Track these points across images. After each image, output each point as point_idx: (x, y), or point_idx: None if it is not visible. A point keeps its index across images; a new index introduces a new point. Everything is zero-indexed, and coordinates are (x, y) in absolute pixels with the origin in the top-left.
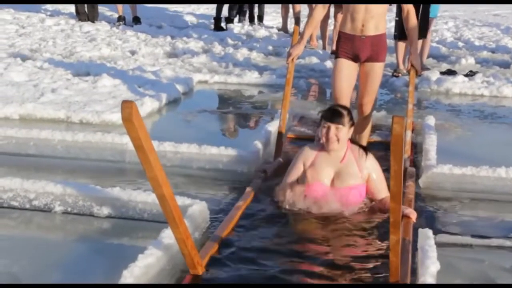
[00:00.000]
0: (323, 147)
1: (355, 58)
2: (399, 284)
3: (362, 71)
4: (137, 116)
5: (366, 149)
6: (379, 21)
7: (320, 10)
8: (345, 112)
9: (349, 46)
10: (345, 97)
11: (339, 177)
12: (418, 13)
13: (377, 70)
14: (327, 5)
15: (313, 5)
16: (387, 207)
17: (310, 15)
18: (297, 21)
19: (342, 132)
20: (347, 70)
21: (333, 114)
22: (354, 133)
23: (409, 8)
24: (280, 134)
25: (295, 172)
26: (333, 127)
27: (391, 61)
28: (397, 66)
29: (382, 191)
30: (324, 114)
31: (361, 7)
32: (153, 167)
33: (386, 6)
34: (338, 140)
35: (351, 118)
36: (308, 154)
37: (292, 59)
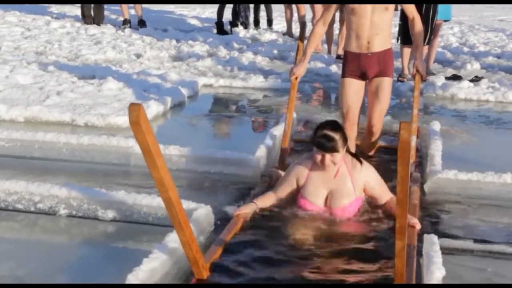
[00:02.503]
0: (315, 162)
1: (363, 76)
2: (399, 284)
3: (370, 88)
4: (144, 119)
5: (359, 158)
6: (384, 36)
7: (321, 26)
8: (337, 136)
9: (355, 64)
10: (354, 115)
11: (333, 196)
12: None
13: (386, 85)
14: (328, 21)
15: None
16: (392, 210)
17: (311, 31)
18: (303, 26)
19: (337, 157)
20: (355, 89)
21: (326, 142)
22: (360, 146)
23: (414, 14)
24: (285, 139)
25: (287, 187)
26: (327, 155)
27: (396, 66)
28: (402, 71)
29: (383, 195)
30: (317, 143)
31: (366, 24)
32: (160, 170)
33: (391, 19)
34: (334, 163)
35: (344, 136)
36: (301, 172)
37: (296, 78)
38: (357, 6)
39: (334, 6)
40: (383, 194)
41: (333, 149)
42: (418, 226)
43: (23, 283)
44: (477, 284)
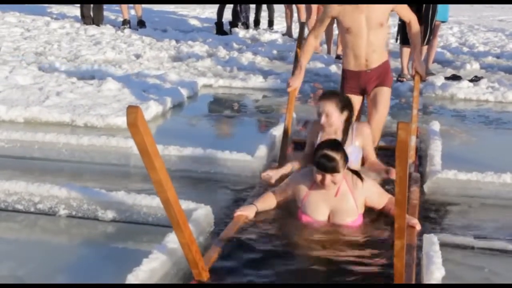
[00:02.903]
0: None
1: (362, 92)
2: (400, 284)
3: (369, 97)
4: (142, 121)
5: (360, 175)
6: (381, 51)
7: (313, 39)
8: (338, 156)
9: (355, 82)
10: None
11: (335, 214)
12: (422, 17)
13: (385, 93)
14: (320, 33)
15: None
16: (391, 211)
17: (304, 43)
18: (302, 27)
19: (338, 177)
20: (354, 105)
21: (327, 162)
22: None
23: (411, 17)
24: (285, 139)
25: (286, 196)
26: (328, 175)
27: (396, 66)
28: (401, 71)
29: (382, 203)
30: (317, 163)
31: (362, 43)
32: (158, 172)
33: (386, 35)
34: (334, 183)
35: (345, 156)
36: (301, 188)
37: (296, 89)
38: (352, 25)
39: (327, 19)
40: (382, 201)
41: (334, 170)
42: (418, 227)
43: (23, 283)
44: (477, 284)
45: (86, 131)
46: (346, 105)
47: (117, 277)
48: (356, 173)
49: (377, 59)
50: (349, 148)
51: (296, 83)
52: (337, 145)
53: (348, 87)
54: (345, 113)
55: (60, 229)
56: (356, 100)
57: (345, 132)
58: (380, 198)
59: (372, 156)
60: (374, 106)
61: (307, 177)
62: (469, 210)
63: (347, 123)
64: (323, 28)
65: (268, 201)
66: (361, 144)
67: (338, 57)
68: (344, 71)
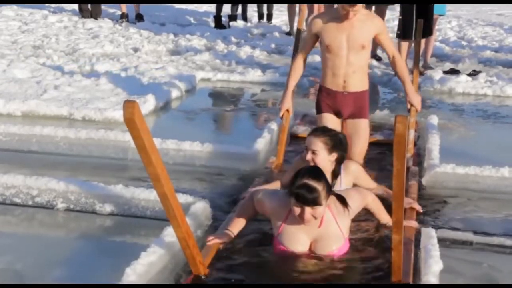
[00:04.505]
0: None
1: (337, 114)
2: (400, 284)
3: (346, 130)
4: (139, 116)
5: (344, 200)
6: (361, 76)
7: (300, 60)
8: (320, 186)
9: (331, 101)
10: None
11: (318, 243)
12: (422, 11)
13: (363, 127)
14: (307, 53)
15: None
16: (372, 210)
17: (291, 65)
18: (298, 32)
19: (319, 210)
20: (333, 123)
21: (307, 193)
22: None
23: (394, 52)
24: (282, 133)
25: (261, 209)
26: (308, 209)
27: None
28: None
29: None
30: (296, 194)
31: (342, 62)
32: (155, 166)
33: (367, 58)
34: (315, 218)
35: (327, 185)
36: (277, 214)
37: (287, 110)
38: (332, 43)
39: (311, 37)
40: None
41: (315, 202)
42: (418, 207)
43: (23, 283)
44: (475, 284)
45: (84, 125)
46: (336, 146)
47: (115, 271)
48: (340, 198)
49: (356, 84)
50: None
51: (286, 105)
52: (319, 172)
53: (325, 105)
54: (334, 155)
55: (58, 222)
56: (334, 121)
57: (334, 175)
58: (378, 206)
59: (374, 189)
60: (353, 140)
61: (286, 202)
62: (467, 203)
63: (338, 166)
64: (309, 47)
65: (243, 220)
66: (351, 184)
67: None
68: (320, 87)
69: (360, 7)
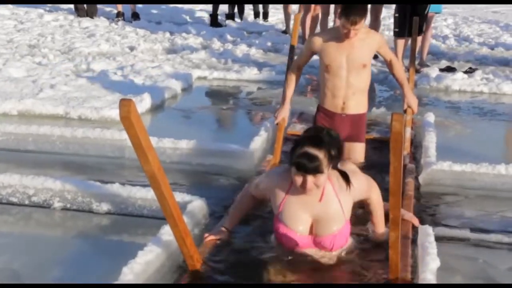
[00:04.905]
0: (295, 185)
1: None
2: (400, 284)
3: (344, 153)
4: (135, 114)
5: (347, 176)
6: (361, 98)
7: (295, 72)
8: (321, 154)
9: (328, 123)
10: None
11: (319, 223)
12: (416, 10)
13: (359, 151)
14: (302, 65)
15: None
16: (375, 224)
17: (287, 77)
18: (292, 49)
19: (321, 178)
20: None
21: (308, 162)
22: None
23: (391, 56)
24: (279, 131)
25: (259, 195)
26: (310, 177)
27: None
28: None
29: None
30: (297, 163)
31: (342, 83)
32: (152, 165)
33: (368, 77)
34: (317, 186)
35: (329, 153)
36: (277, 192)
37: (283, 118)
38: (332, 63)
39: (308, 52)
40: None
41: (317, 170)
42: (416, 221)
43: (20, 283)
44: (473, 284)
45: (80, 124)
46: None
47: (112, 270)
48: (343, 173)
49: (355, 106)
50: None
51: (282, 114)
52: (320, 140)
53: (321, 124)
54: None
55: (54, 221)
56: None
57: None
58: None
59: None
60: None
61: (285, 178)
62: (464, 201)
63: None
64: (305, 61)
65: (239, 214)
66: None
67: None
68: (319, 107)
69: (361, 25)
